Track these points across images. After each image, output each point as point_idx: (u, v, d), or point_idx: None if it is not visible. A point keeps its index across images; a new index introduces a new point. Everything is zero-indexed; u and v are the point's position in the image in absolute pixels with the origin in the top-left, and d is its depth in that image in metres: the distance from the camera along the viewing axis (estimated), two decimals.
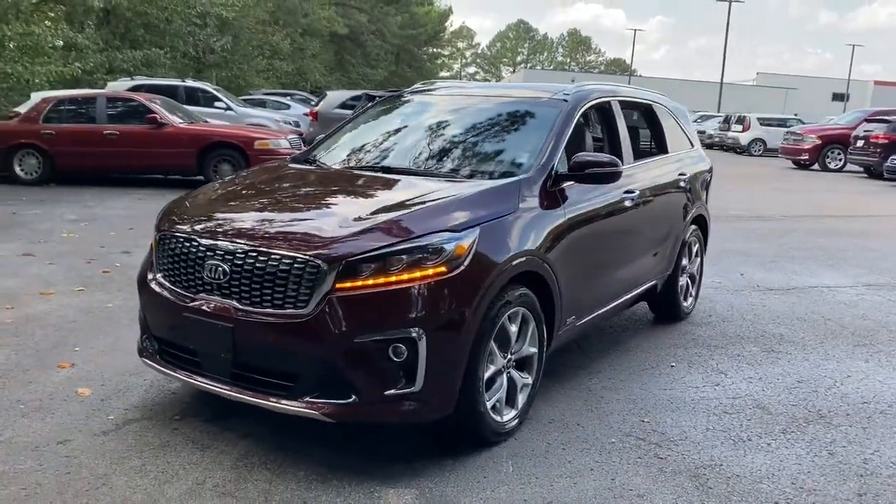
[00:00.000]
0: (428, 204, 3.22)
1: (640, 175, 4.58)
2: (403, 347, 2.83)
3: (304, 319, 2.82)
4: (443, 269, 2.92)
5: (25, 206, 9.82)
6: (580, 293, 3.87)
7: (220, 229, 3.13)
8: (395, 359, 2.84)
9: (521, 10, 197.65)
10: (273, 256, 2.91)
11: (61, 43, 18.51)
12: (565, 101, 4.15)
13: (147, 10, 20.94)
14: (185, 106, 14.49)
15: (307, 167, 4.16)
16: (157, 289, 3.28)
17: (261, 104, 21.83)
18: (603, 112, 4.55)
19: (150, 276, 3.38)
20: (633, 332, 5.18)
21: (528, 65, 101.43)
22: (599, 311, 4.21)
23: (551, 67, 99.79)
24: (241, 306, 2.94)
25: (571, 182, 3.77)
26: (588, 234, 3.89)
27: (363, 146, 4.29)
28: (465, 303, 2.96)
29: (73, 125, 11.80)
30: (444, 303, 2.91)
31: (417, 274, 2.88)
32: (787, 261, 8.00)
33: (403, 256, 2.89)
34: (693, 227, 5.42)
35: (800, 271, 7.47)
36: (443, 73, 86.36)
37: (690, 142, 5.71)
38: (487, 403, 3.18)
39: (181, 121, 12.23)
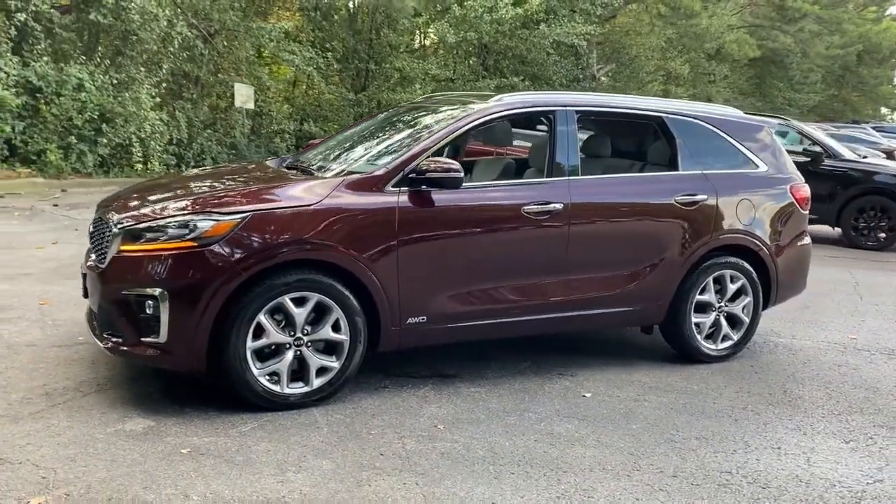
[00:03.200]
0: (229, 191, 3.79)
1: (583, 189, 4.32)
2: (152, 303, 3.49)
3: (100, 272, 3.68)
4: (193, 243, 3.49)
5: None
6: (429, 296, 3.94)
7: (111, 206, 4.12)
8: (147, 312, 3.51)
9: None
10: (106, 225, 3.82)
11: (437, 71, 21.63)
12: (472, 109, 4.23)
13: (509, 45, 23.11)
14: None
15: (260, 164, 4.94)
16: None
17: None
18: (546, 122, 4.42)
19: None
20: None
21: None
22: (487, 321, 4.15)
23: None
24: (92, 261, 3.91)
25: (423, 186, 3.90)
26: (451, 239, 3.97)
27: (329, 150, 4.88)
28: (212, 275, 3.47)
29: None
30: (189, 272, 3.48)
31: (171, 245, 3.51)
32: None
33: (169, 230, 3.55)
34: (730, 258, 4.75)
35: None
36: None
37: (753, 162, 4.93)
38: (256, 371, 3.61)
39: None
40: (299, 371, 3.74)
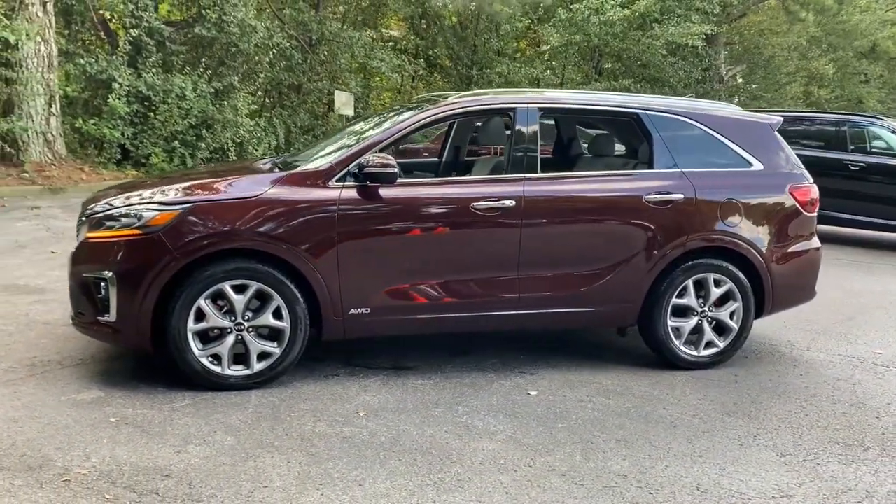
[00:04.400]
0: (182, 184, 4.10)
1: (540, 186, 4.30)
2: (104, 285, 3.85)
3: (71, 256, 4.08)
4: (138, 231, 3.81)
5: None
6: (371, 289, 4.07)
7: (96, 199, 4.52)
8: (101, 293, 3.87)
9: None
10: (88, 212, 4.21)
11: (542, 76, 21.55)
12: (423, 108, 4.33)
13: (622, 47, 22.61)
14: None
15: (250, 162, 5.24)
16: None
17: None
18: (507, 119, 4.44)
19: None
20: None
21: None
22: (434, 316, 4.21)
23: None
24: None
25: (365, 181, 4.04)
26: (395, 234, 4.08)
27: (315, 148, 5.11)
28: (153, 261, 3.77)
29: None
30: (134, 257, 3.80)
31: (122, 232, 3.85)
32: None
33: (122, 219, 3.89)
34: (714, 261, 4.55)
35: None
36: None
37: (746, 160, 4.69)
38: (197, 352, 3.88)
39: None
40: (245, 354, 3.96)
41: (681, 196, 4.44)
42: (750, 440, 3.61)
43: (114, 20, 13.95)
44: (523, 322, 4.38)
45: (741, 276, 4.58)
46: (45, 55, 11.82)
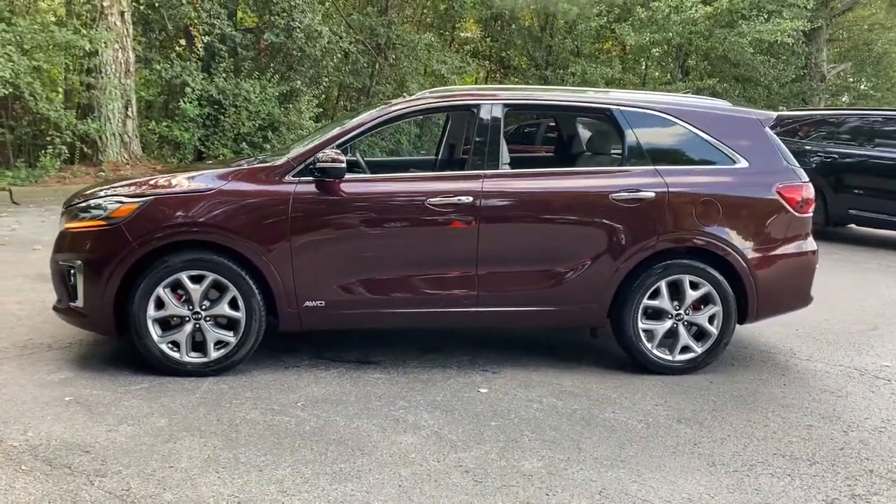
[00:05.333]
0: (151, 178, 4.32)
1: (499, 183, 4.27)
2: (74, 272, 4.11)
3: (54, 244, 4.38)
4: (103, 222, 4.05)
5: None
6: (325, 282, 4.15)
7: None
8: (72, 280, 4.14)
9: None
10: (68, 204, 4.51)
11: (621, 76, 21.12)
12: (390, 104, 4.40)
13: (710, 45, 21.82)
14: None
15: (234, 159, 5.42)
16: None
17: None
18: (470, 116, 4.44)
19: None
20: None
21: None
22: (390, 310, 4.25)
23: None
24: None
25: (318, 176, 4.13)
26: (349, 229, 4.15)
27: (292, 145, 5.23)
28: (115, 251, 3.99)
29: None
30: (97, 247, 4.03)
31: (89, 223, 4.10)
32: None
33: (91, 210, 4.14)
34: (689, 262, 4.38)
35: None
36: None
37: (730, 158, 4.49)
38: (156, 338, 4.08)
39: None
40: (204, 342, 4.12)
41: (651, 194, 4.29)
42: (686, 448, 3.46)
43: (193, 27, 14.68)
44: (482, 319, 4.34)
45: (720, 278, 4.38)
46: (122, 61, 12.58)
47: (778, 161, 4.52)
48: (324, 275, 4.13)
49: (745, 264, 4.37)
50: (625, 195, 4.28)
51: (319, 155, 4.05)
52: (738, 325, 4.57)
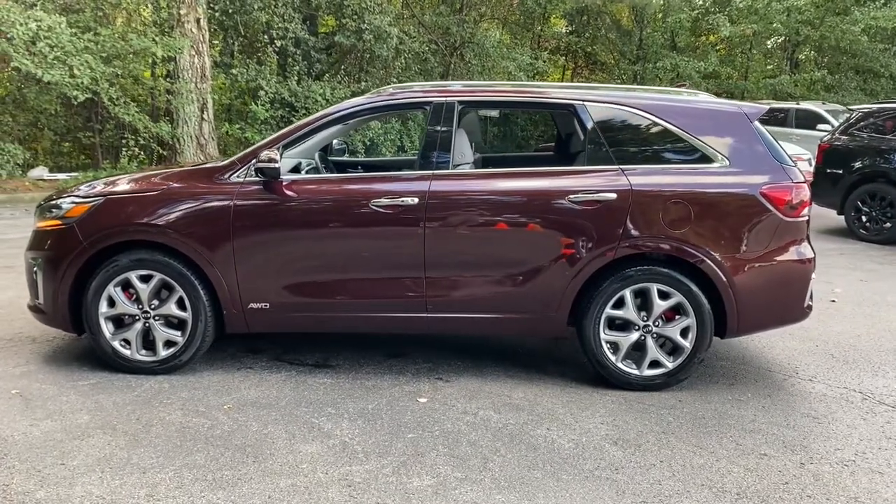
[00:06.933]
0: (117, 177, 4.43)
1: (446, 184, 4.10)
2: (36, 269, 4.28)
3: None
4: (59, 222, 4.19)
5: None
6: (268, 284, 4.11)
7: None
8: (34, 277, 4.31)
9: None
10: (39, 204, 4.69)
11: (716, 69, 20.10)
12: (341, 103, 4.33)
13: (823, 35, 20.36)
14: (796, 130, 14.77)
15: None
16: None
17: None
18: (423, 115, 4.29)
19: None
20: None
21: None
22: (336, 314, 4.17)
23: None
24: None
25: (258, 177, 4.11)
26: (291, 230, 4.09)
27: None
28: (68, 249, 4.12)
29: None
30: (52, 245, 4.17)
31: (49, 222, 4.25)
32: None
33: (53, 210, 4.30)
34: (656, 269, 4.03)
35: None
36: None
37: (706, 156, 4.11)
38: (108, 335, 4.19)
39: None
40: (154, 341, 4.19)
41: (613, 196, 3.98)
42: (603, 474, 3.18)
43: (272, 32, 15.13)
44: (432, 326, 4.17)
45: (693, 287, 4.01)
46: (198, 67, 13.13)
47: (765, 159, 4.09)
48: (267, 277, 4.09)
49: (721, 273, 3.97)
50: (583, 196, 3.99)
51: (261, 155, 4.00)
52: (723, 339, 4.20)
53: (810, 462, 3.32)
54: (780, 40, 23.31)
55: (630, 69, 19.56)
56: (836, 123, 14.84)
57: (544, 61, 16.80)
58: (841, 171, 9.62)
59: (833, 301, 6.13)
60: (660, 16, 20.05)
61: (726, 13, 19.71)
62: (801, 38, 21.80)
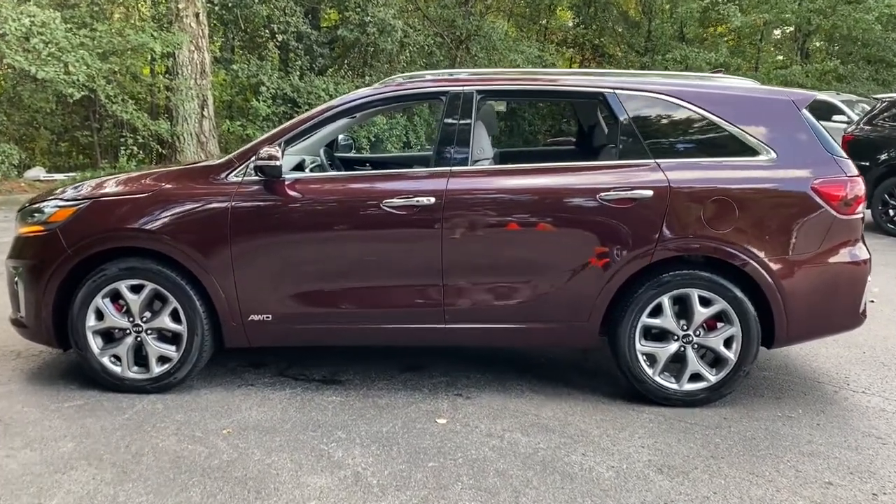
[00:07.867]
0: (105, 178, 4.06)
1: (467, 182, 3.73)
2: (17, 280, 3.92)
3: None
4: (41, 227, 3.82)
5: None
6: (271, 294, 3.75)
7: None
8: (16, 288, 3.94)
9: None
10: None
11: (727, 60, 19.66)
12: (346, 95, 3.96)
13: (835, 24, 19.88)
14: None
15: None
16: None
17: None
18: (440, 106, 3.91)
19: None
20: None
21: None
22: (345, 326, 3.81)
23: None
24: None
25: (258, 176, 3.74)
26: (295, 234, 3.73)
27: None
28: (51, 257, 3.76)
29: None
30: (34, 253, 3.81)
31: (31, 228, 3.88)
32: None
33: (35, 215, 3.93)
34: (697, 272, 3.65)
35: None
36: None
37: (751, 148, 3.72)
38: (96, 351, 3.82)
39: None
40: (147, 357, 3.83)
41: (649, 193, 3.60)
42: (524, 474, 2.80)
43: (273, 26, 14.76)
44: (451, 337, 3.81)
45: (738, 293, 3.63)
46: (198, 62, 12.76)
47: (816, 151, 3.70)
48: (270, 286, 3.73)
49: (768, 276, 3.59)
50: (616, 194, 3.61)
51: (260, 152, 3.63)
52: (766, 349, 3.81)
53: (883, 492, 2.94)
54: (790, 30, 22.86)
55: (638, 61, 19.12)
56: (851, 114, 14.39)
57: (552, 54, 16.38)
58: (867, 164, 9.21)
59: (872, 301, 5.74)
60: (668, 6, 19.61)
61: (737, 2, 19.25)
62: (813, 28, 21.33)
